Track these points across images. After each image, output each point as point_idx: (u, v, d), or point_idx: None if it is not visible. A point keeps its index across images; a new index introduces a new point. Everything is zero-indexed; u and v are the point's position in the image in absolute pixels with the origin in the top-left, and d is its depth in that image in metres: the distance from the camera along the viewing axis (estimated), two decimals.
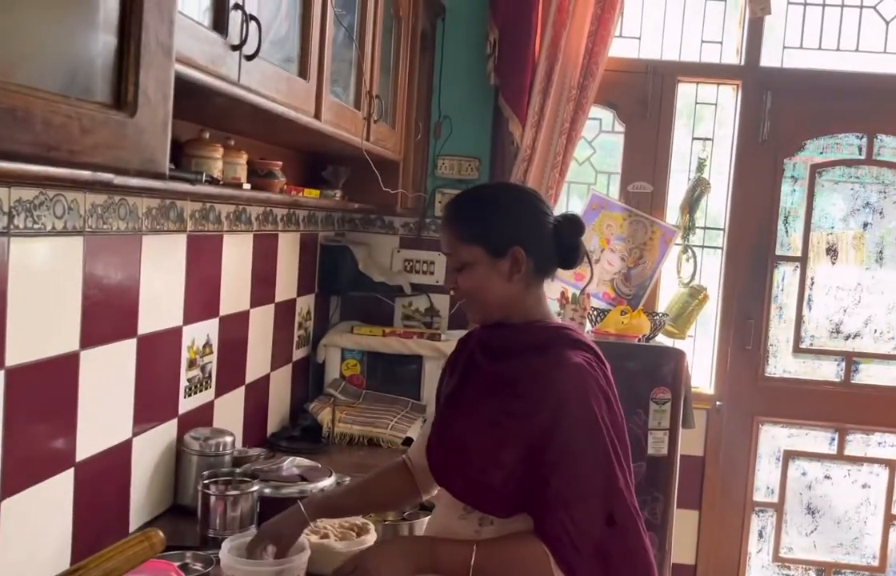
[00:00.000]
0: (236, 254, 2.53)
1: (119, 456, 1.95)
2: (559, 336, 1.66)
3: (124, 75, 1.07)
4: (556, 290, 3.54)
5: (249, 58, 1.66)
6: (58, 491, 1.72)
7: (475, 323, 1.75)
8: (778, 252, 3.77)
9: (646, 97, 3.67)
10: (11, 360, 1.54)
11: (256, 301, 2.70)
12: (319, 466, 2.31)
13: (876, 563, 3.84)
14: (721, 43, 3.73)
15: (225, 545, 1.78)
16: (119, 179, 1.49)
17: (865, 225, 3.76)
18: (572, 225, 1.70)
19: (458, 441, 1.66)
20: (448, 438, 1.70)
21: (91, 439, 1.82)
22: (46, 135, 0.92)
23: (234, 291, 2.53)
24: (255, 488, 2.03)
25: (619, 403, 1.66)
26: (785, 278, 3.80)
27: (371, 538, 1.97)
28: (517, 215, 1.67)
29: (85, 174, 1.27)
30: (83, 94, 1.00)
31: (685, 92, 3.76)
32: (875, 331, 3.78)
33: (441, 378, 1.86)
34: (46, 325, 1.65)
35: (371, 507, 1.98)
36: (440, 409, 1.80)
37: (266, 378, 2.85)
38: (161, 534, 1.41)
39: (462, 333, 2.03)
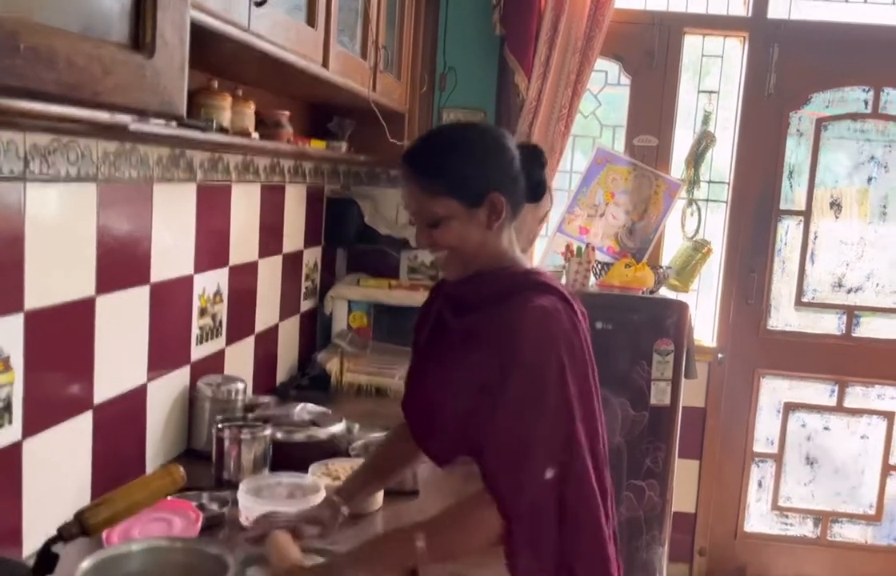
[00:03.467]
0: (245, 204, 2.55)
1: (135, 400, 1.99)
2: (526, 281, 1.56)
3: (142, 17, 1.09)
4: (560, 243, 3.56)
5: (259, 4, 1.67)
6: (77, 433, 1.76)
7: (452, 279, 1.61)
8: (782, 207, 3.79)
9: (652, 49, 3.66)
10: (30, 304, 1.56)
11: (265, 252, 2.72)
12: (329, 412, 2.34)
13: (872, 511, 3.91)
14: None
15: (242, 487, 1.82)
16: (134, 125, 1.52)
17: (870, 179, 3.77)
18: (536, 156, 1.62)
19: (426, 399, 1.61)
20: (418, 397, 1.65)
21: (108, 383, 1.85)
22: (70, 75, 0.94)
23: (243, 241, 2.55)
24: (268, 431, 2.07)
25: (591, 350, 1.56)
26: (788, 232, 3.82)
27: None
28: (488, 157, 1.55)
29: (104, 116, 1.29)
30: (102, 35, 1.02)
31: (692, 44, 3.75)
32: (877, 285, 3.81)
33: (416, 328, 1.75)
34: (62, 270, 1.68)
35: (394, 474, 1.87)
36: (411, 367, 1.73)
37: (275, 328, 2.88)
38: (182, 470, 1.44)
39: None
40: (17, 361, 1.53)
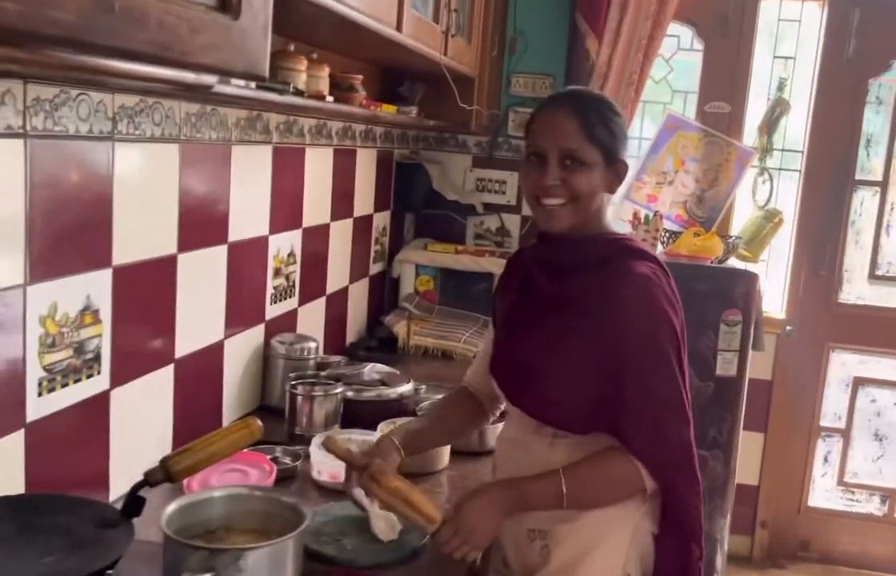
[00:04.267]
0: (318, 167, 2.59)
1: (213, 356, 2.06)
2: (621, 246, 1.63)
3: None
4: (628, 211, 3.53)
5: None
6: (160, 385, 1.83)
7: (558, 230, 1.60)
8: (858, 176, 3.69)
9: (727, 14, 3.58)
10: (118, 259, 1.62)
11: (336, 215, 2.76)
12: (398, 372, 2.38)
13: None
14: None
15: (315, 441, 1.87)
16: (218, 86, 1.55)
17: None
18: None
19: (522, 363, 1.65)
20: (513, 360, 1.69)
21: (188, 339, 1.92)
22: (160, 34, 0.97)
23: (316, 203, 2.60)
24: (339, 390, 2.12)
25: (684, 315, 1.63)
26: (864, 203, 3.72)
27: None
28: (623, 126, 1.65)
29: (190, 76, 1.32)
30: None
31: (768, 8, 3.65)
32: None
33: (494, 301, 1.82)
34: (147, 228, 1.74)
35: (450, 436, 1.93)
36: (500, 333, 1.76)
37: (345, 290, 2.93)
38: (259, 422, 1.49)
39: None
40: (106, 315, 1.60)
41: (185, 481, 1.62)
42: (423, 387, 2.44)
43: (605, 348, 1.53)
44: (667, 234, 3.47)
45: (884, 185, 3.68)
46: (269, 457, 1.88)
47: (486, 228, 3.68)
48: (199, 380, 1.99)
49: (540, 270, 1.67)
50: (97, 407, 1.61)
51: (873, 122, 3.66)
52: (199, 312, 1.97)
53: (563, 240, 1.62)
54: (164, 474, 1.38)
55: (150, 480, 1.37)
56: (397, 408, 2.22)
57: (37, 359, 1.43)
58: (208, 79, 1.40)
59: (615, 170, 1.61)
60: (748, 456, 3.70)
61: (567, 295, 1.60)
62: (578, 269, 1.60)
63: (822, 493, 3.91)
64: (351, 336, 3.01)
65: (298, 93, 2.05)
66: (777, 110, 3.64)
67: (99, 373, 1.59)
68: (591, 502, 1.57)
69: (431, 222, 3.63)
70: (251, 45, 1.20)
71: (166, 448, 1.83)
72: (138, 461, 1.57)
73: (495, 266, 3.29)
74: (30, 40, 0.81)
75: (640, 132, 3.77)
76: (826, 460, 3.90)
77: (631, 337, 1.52)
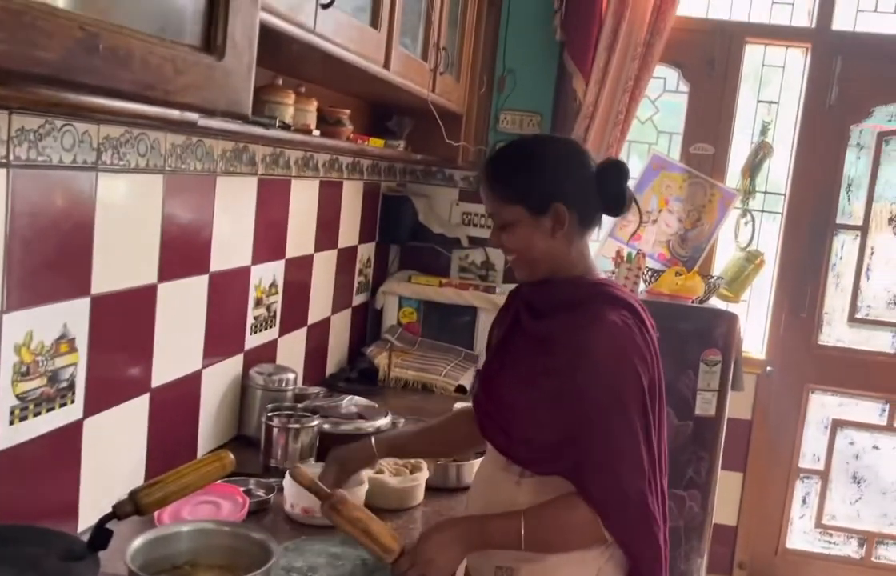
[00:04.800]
0: (303, 199, 2.61)
1: (190, 385, 2.06)
2: (598, 292, 1.63)
3: (214, 20, 1.14)
4: (611, 249, 3.56)
5: (325, 6, 1.71)
6: (134, 414, 1.83)
7: (521, 280, 1.72)
8: (839, 220, 3.74)
9: (712, 57, 3.63)
10: (97, 288, 1.63)
11: (320, 246, 2.78)
12: (376, 406, 2.39)
13: None
14: (792, 4, 3.67)
15: (289, 474, 1.87)
16: (203, 120, 1.57)
17: None
18: (615, 170, 1.66)
19: (498, 397, 1.68)
20: (491, 393, 1.72)
21: (165, 368, 1.92)
22: (144, 74, 0.99)
23: (300, 234, 2.61)
24: (316, 422, 2.12)
25: (661, 363, 1.64)
26: (844, 247, 3.76)
27: (424, 476, 2.05)
28: (556, 169, 1.63)
29: (174, 114, 1.34)
30: (176, 37, 1.06)
31: (752, 53, 3.71)
32: None
33: (490, 331, 1.87)
34: (128, 257, 1.74)
35: (437, 451, 2.01)
36: (486, 363, 1.82)
37: (327, 320, 2.94)
38: (231, 456, 1.49)
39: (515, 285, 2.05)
40: (82, 343, 1.60)
41: (156, 513, 1.62)
42: (402, 420, 2.44)
43: (570, 393, 1.54)
44: (649, 272, 3.50)
45: (864, 229, 3.73)
46: (242, 489, 1.87)
47: (471, 262, 3.70)
48: (174, 409, 1.99)
49: (524, 308, 1.70)
50: (69, 436, 1.61)
51: (855, 167, 3.71)
52: (178, 341, 1.97)
53: (543, 281, 1.66)
54: (133, 507, 1.38)
55: (118, 512, 1.37)
56: None
57: (10, 387, 1.43)
58: (192, 116, 1.42)
59: (552, 216, 1.60)
60: (726, 496, 3.71)
61: (542, 335, 1.63)
62: (555, 311, 1.63)
63: (800, 535, 3.92)
64: (331, 367, 3.02)
65: (285, 127, 2.07)
66: (760, 153, 3.69)
67: (72, 402, 1.60)
68: (548, 546, 1.58)
69: (416, 255, 3.65)
70: (234, 84, 1.21)
71: (139, 478, 1.82)
72: (109, 492, 1.57)
73: (479, 300, 3.31)
74: (15, 79, 0.83)
75: None
76: (804, 501, 3.91)
77: (594, 384, 1.53)
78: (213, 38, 1.14)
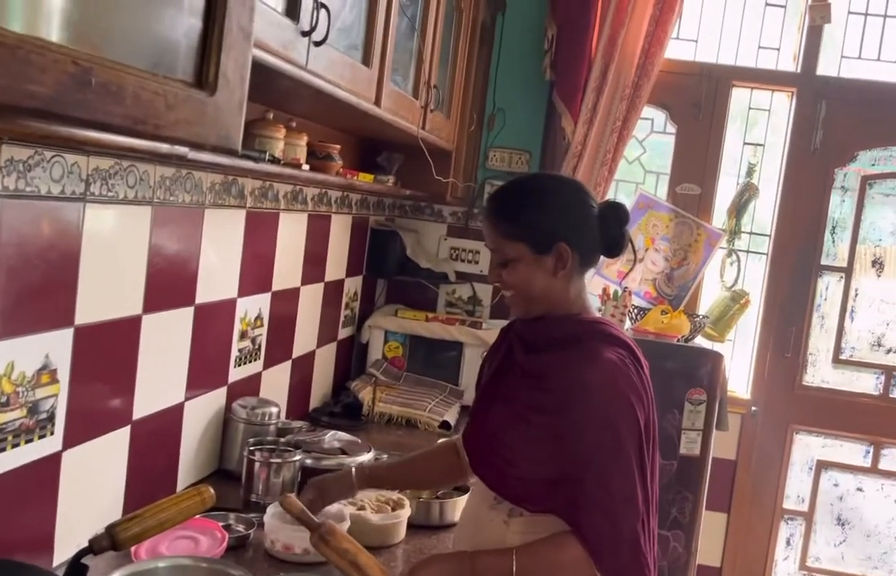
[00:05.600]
0: (291, 232, 2.61)
1: (172, 418, 2.04)
2: (593, 331, 1.63)
3: (207, 57, 1.14)
4: (598, 286, 3.57)
5: (318, 44, 1.72)
6: (114, 447, 1.81)
7: (517, 316, 1.72)
8: (823, 262, 3.77)
9: (699, 100, 3.67)
10: (80, 319, 1.62)
11: (307, 279, 2.78)
12: (359, 441, 2.38)
13: None
14: (778, 49, 3.72)
15: (270, 510, 1.86)
16: (193, 154, 1.57)
17: None
18: (617, 214, 1.67)
19: (491, 433, 1.67)
20: (482, 428, 1.71)
21: (147, 400, 1.91)
22: (136, 109, 0.99)
23: (287, 267, 2.61)
24: (298, 457, 2.11)
25: (654, 402, 1.64)
26: (829, 288, 3.79)
27: (406, 513, 2.03)
28: (561, 209, 1.64)
29: (164, 147, 1.34)
30: (168, 72, 1.07)
31: (739, 96, 3.75)
32: None
33: (482, 366, 1.87)
34: (113, 288, 1.74)
35: (418, 484, 2.01)
36: (477, 399, 1.80)
37: (312, 354, 2.93)
38: (211, 491, 1.48)
39: (503, 322, 2.04)
40: (64, 375, 1.59)
41: (133, 548, 1.60)
42: (385, 456, 2.43)
43: (566, 430, 1.53)
44: (635, 310, 3.51)
45: (848, 271, 3.76)
46: (221, 524, 1.86)
47: (458, 297, 3.71)
48: (155, 442, 1.97)
49: (519, 343, 1.70)
50: (47, 469, 1.59)
51: (839, 209, 3.75)
52: (161, 373, 1.96)
53: (538, 318, 1.66)
54: (110, 542, 1.36)
55: (94, 547, 1.35)
56: None
57: None
58: (182, 149, 1.42)
59: (556, 255, 1.61)
60: (710, 536, 3.70)
61: (537, 371, 1.62)
62: (550, 347, 1.63)
63: None
64: (315, 401, 3.00)
65: (274, 161, 2.07)
66: (746, 194, 3.72)
67: (52, 434, 1.58)
68: None
69: (404, 289, 3.65)
70: (225, 119, 1.21)
71: (117, 512, 1.81)
72: (87, 525, 1.55)
73: (465, 335, 3.31)
74: (7, 112, 0.83)
75: None
76: (789, 543, 3.91)
77: (590, 421, 1.52)
78: (205, 73, 1.15)
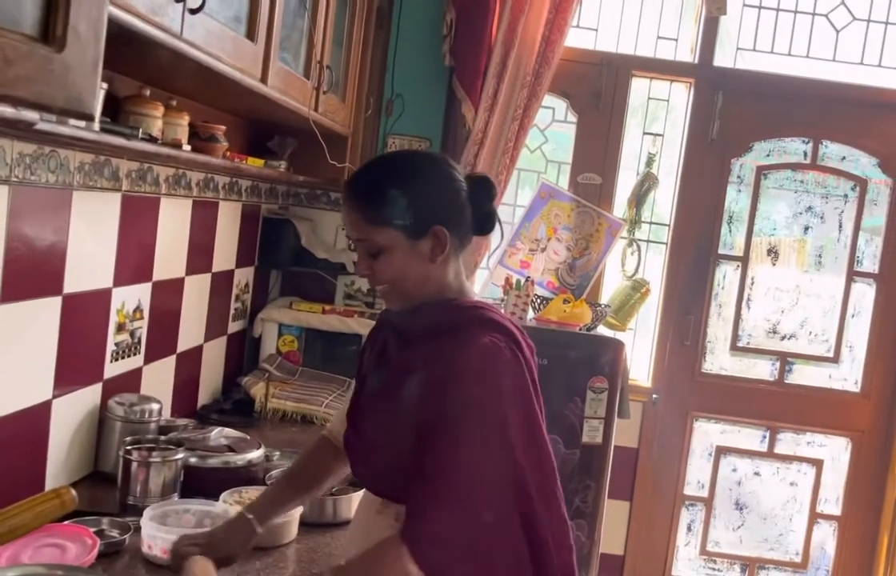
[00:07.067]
0: (174, 219, 2.46)
1: (37, 417, 1.88)
2: (472, 316, 1.50)
3: (54, 8, 1.02)
4: (500, 276, 3.53)
5: (194, 11, 1.60)
6: None
7: (394, 309, 1.58)
8: (721, 251, 3.82)
9: (599, 89, 3.67)
10: None
11: (192, 269, 2.63)
12: (248, 438, 2.26)
13: (799, 559, 3.93)
14: (676, 40, 3.75)
15: (147, 513, 1.73)
16: (49, 125, 1.43)
17: (807, 229, 3.82)
18: (486, 188, 1.56)
19: (368, 436, 1.56)
20: (359, 432, 1.59)
21: (6, 398, 1.75)
22: None
23: (170, 256, 2.46)
24: (180, 455, 1.98)
25: (538, 388, 1.52)
26: (726, 277, 3.85)
27: (298, 511, 1.92)
28: (433, 188, 1.50)
29: (7, 110, 1.20)
30: (9, 24, 0.94)
31: (639, 87, 3.77)
32: (810, 333, 3.86)
33: (360, 356, 1.72)
34: None
35: (310, 490, 1.80)
36: (354, 395, 1.68)
37: (199, 349, 2.78)
38: (73, 492, 1.36)
39: None
40: None
41: None
42: (277, 454, 2.32)
43: (425, 413, 1.41)
44: (538, 299, 3.48)
45: (745, 260, 3.82)
46: (93, 530, 1.71)
47: (357, 289, 3.61)
48: (17, 444, 1.81)
49: (392, 337, 1.59)
50: None
51: (736, 200, 3.81)
52: (23, 368, 1.80)
53: (412, 308, 1.54)
54: None
55: None
56: (245, 476, 2.09)
57: None
58: (30, 115, 1.28)
59: (432, 239, 1.48)
60: (614, 525, 3.71)
61: (409, 366, 1.50)
62: (425, 338, 1.50)
63: (686, 562, 3.96)
64: (204, 398, 2.85)
65: (151, 139, 1.94)
66: (646, 184, 3.74)
67: None
68: None
69: (299, 280, 3.52)
70: (76, 80, 1.09)
71: None
72: None
73: (364, 327, 3.21)
74: None
75: (516, 199, 3.80)
76: (690, 528, 3.96)
77: (449, 406, 1.39)
78: (52, 28, 1.03)
